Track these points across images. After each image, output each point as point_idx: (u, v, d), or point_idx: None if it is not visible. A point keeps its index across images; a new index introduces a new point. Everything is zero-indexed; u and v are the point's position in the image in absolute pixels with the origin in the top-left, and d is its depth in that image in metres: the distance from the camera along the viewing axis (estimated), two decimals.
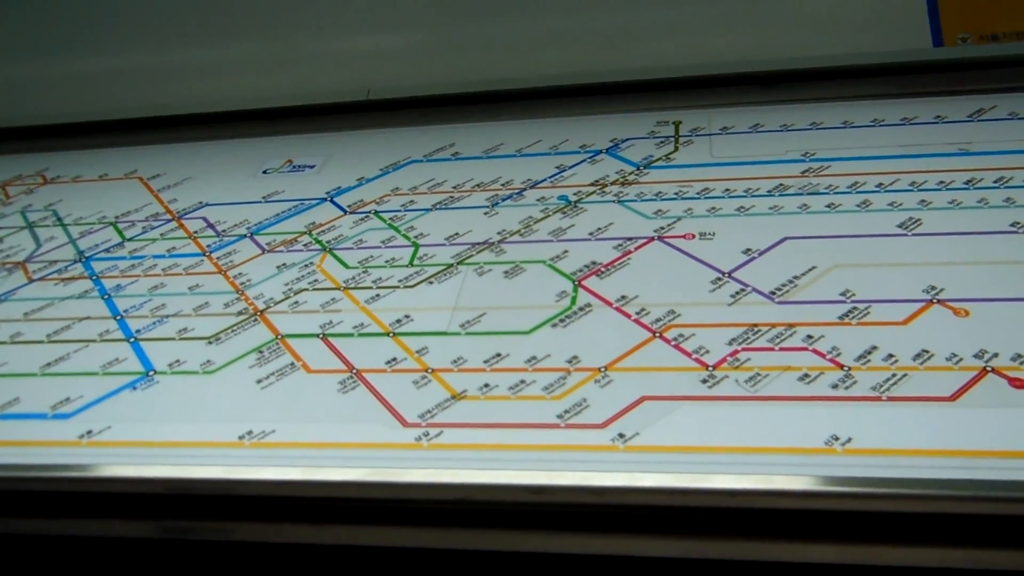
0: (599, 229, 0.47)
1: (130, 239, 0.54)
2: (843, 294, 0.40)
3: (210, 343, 0.44)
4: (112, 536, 0.42)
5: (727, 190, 0.49)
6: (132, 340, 0.45)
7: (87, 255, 0.53)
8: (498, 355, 0.40)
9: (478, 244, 0.48)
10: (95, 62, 0.64)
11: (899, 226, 0.43)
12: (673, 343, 0.39)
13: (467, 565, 0.38)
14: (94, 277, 0.51)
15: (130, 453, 0.39)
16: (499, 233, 0.48)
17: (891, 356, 0.36)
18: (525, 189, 0.52)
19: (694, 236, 0.45)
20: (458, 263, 0.47)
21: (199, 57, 0.63)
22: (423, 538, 0.37)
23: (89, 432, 0.40)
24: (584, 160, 0.54)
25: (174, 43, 0.64)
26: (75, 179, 0.63)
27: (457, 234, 0.49)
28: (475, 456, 0.35)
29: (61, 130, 0.66)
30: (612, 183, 0.51)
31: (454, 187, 0.53)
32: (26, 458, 0.40)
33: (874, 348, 0.36)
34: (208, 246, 0.52)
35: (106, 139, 0.64)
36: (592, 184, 0.51)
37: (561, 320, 0.42)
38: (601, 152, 0.54)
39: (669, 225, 0.47)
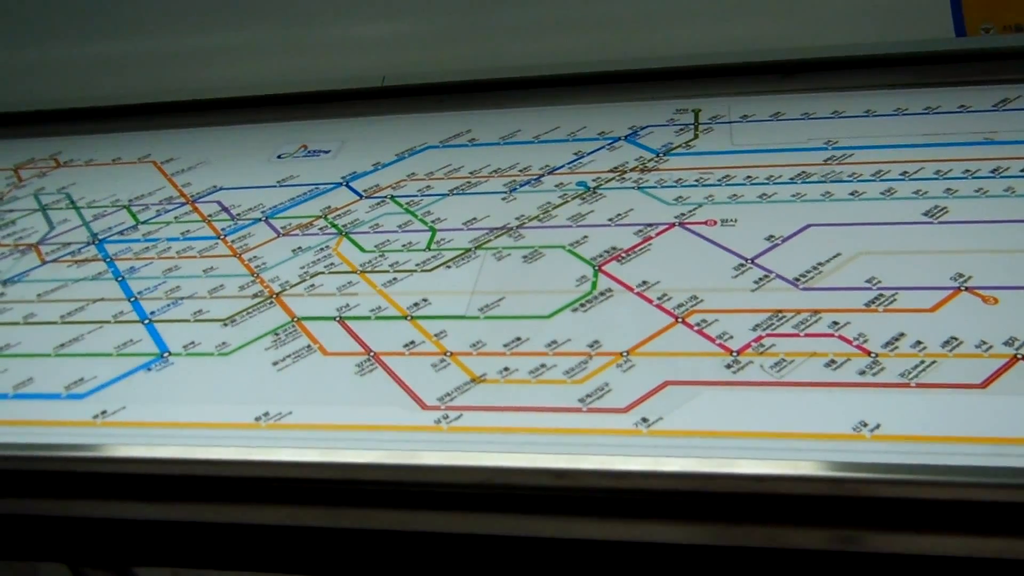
0: (619, 215, 0.47)
1: (144, 222, 0.54)
2: (869, 281, 0.39)
3: (225, 325, 0.44)
4: (127, 517, 0.41)
5: (748, 177, 0.48)
6: (147, 322, 0.45)
7: (100, 237, 0.53)
8: (518, 339, 0.40)
9: (496, 229, 0.47)
10: (109, 46, 0.64)
11: (925, 214, 0.42)
12: (696, 328, 0.38)
13: (487, 549, 0.38)
14: (108, 259, 0.51)
15: (145, 434, 0.39)
16: (517, 218, 0.48)
17: (919, 343, 0.35)
18: (543, 175, 0.51)
19: (716, 222, 0.45)
20: (476, 248, 0.46)
21: (214, 42, 0.63)
22: (442, 522, 0.37)
23: (103, 412, 0.40)
24: (603, 147, 0.53)
25: (189, 27, 0.63)
26: (88, 163, 0.62)
27: (475, 219, 0.48)
28: (496, 439, 0.35)
29: (74, 114, 0.65)
30: (631, 169, 0.50)
31: (471, 173, 0.53)
32: (40, 438, 0.40)
33: (902, 335, 0.36)
34: (223, 229, 0.52)
35: (120, 123, 0.64)
36: (611, 170, 0.51)
37: (581, 305, 0.41)
38: (620, 139, 0.54)
39: (690, 211, 0.46)
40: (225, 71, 0.63)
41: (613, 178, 0.50)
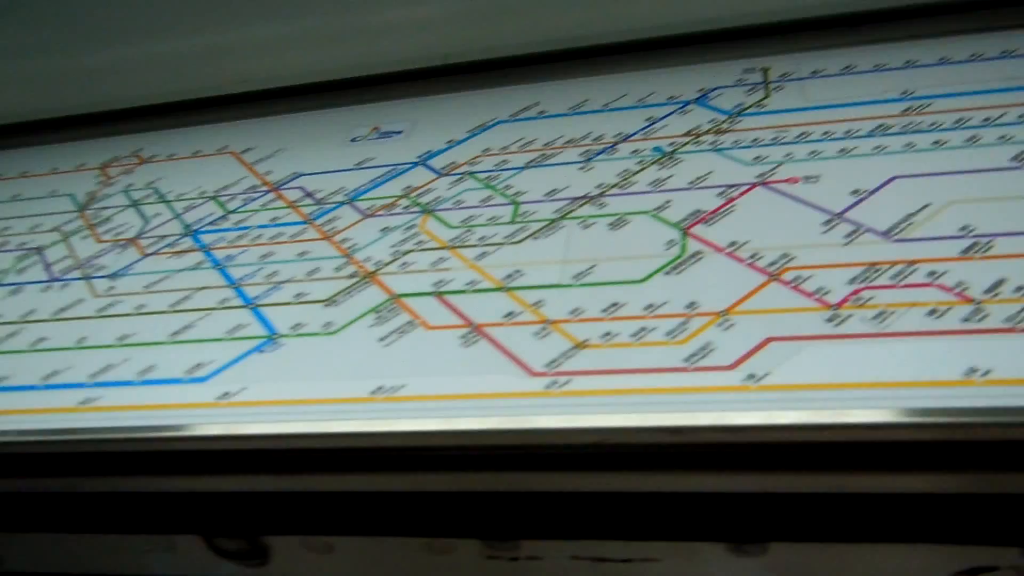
0: (699, 178, 0.48)
1: (232, 211, 0.56)
2: (962, 229, 0.40)
3: (327, 305, 0.46)
4: (256, 490, 0.44)
5: (827, 133, 0.48)
6: (252, 306, 0.47)
7: (194, 228, 0.55)
8: (615, 304, 0.41)
9: (578, 199, 0.48)
10: (179, 42, 0.66)
11: (1013, 159, 0.43)
12: (791, 285, 0.39)
13: (604, 507, 0.40)
14: (204, 249, 0.53)
15: (268, 411, 0.41)
16: (598, 187, 0.49)
17: (1021, 288, 0.36)
18: (617, 143, 0.52)
19: (798, 180, 0.46)
20: (560, 218, 0.47)
21: (279, 31, 0.64)
22: (561, 482, 0.38)
23: (226, 394, 0.42)
24: (674, 111, 0.54)
25: (253, 19, 0.65)
26: (170, 157, 0.64)
27: (555, 190, 0.50)
28: (607, 401, 0.36)
29: (150, 111, 0.68)
30: (706, 132, 0.51)
31: (545, 145, 0.54)
32: (168, 420, 0.42)
33: (1003, 281, 0.36)
34: (309, 214, 0.53)
35: (194, 117, 0.66)
36: (685, 134, 0.51)
37: (674, 268, 0.42)
38: (690, 103, 0.54)
39: (770, 170, 0.47)
40: (292, 59, 0.65)
41: (688, 142, 0.51)
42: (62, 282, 0.54)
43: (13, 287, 0.55)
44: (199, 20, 0.66)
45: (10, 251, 0.59)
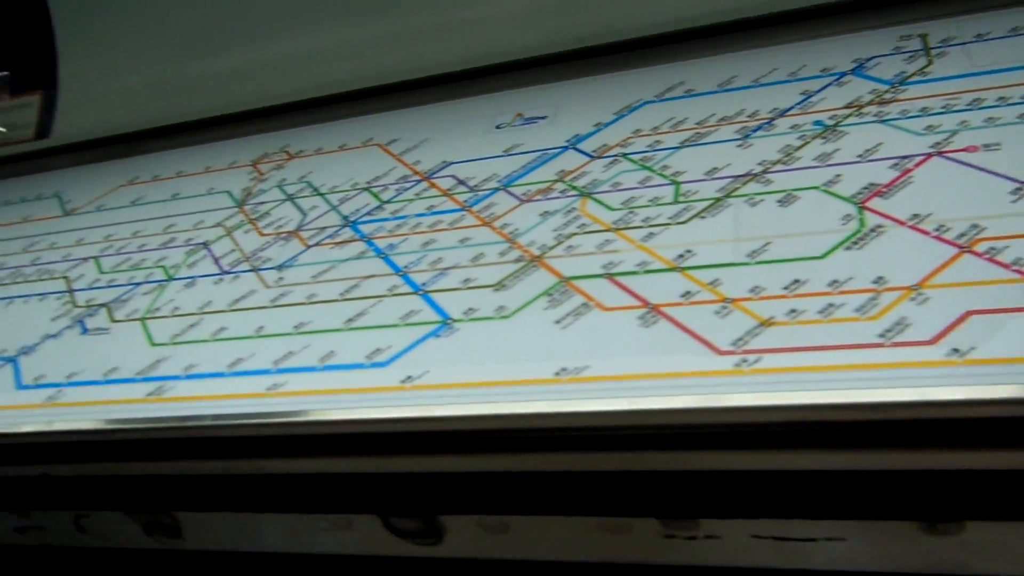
0: (868, 150, 0.47)
1: (387, 201, 0.58)
2: None
3: (497, 290, 0.47)
4: (433, 471, 0.45)
5: (1002, 98, 0.46)
6: (421, 292, 0.49)
7: (352, 219, 0.57)
8: (796, 281, 0.41)
9: (741, 176, 0.48)
10: (321, 39, 0.68)
11: None
12: (986, 256, 0.38)
13: (788, 485, 0.39)
14: (365, 239, 0.55)
15: (453, 394, 0.42)
16: (760, 164, 0.48)
17: None
18: (774, 118, 0.52)
19: (977, 148, 0.44)
20: (725, 196, 0.47)
21: (418, 22, 0.66)
22: (747, 461, 0.38)
23: (409, 377, 0.43)
24: (830, 83, 0.53)
25: (390, 12, 0.66)
26: (317, 151, 0.67)
27: (716, 168, 0.49)
28: (801, 379, 0.36)
29: (294, 107, 0.70)
30: (868, 103, 0.50)
31: (697, 123, 0.54)
32: (353, 403, 0.44)
33: None
34: (465, 201, 0.55)
35: (338, 111, 0.68)
36: (846, 106, 0.50)
37: (854, 243, 0.41)
38: (846, 74, 0.53)
39: (945, 140, 0.45)
40: (430, 49, 0.66)
41: (851, 114, 0.50)
42: (233, 274, 0.56)
43: (187, 280, 0.58)
44: (338, 16, 0.68)
45: (179, 247, 0.62)
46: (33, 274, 0.66)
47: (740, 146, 0.50)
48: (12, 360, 0.57)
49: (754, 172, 0.48)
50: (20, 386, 0.55)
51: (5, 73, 0.91)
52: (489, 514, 0.46)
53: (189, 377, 0.50)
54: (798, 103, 0.52)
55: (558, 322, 0.43)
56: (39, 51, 0.85)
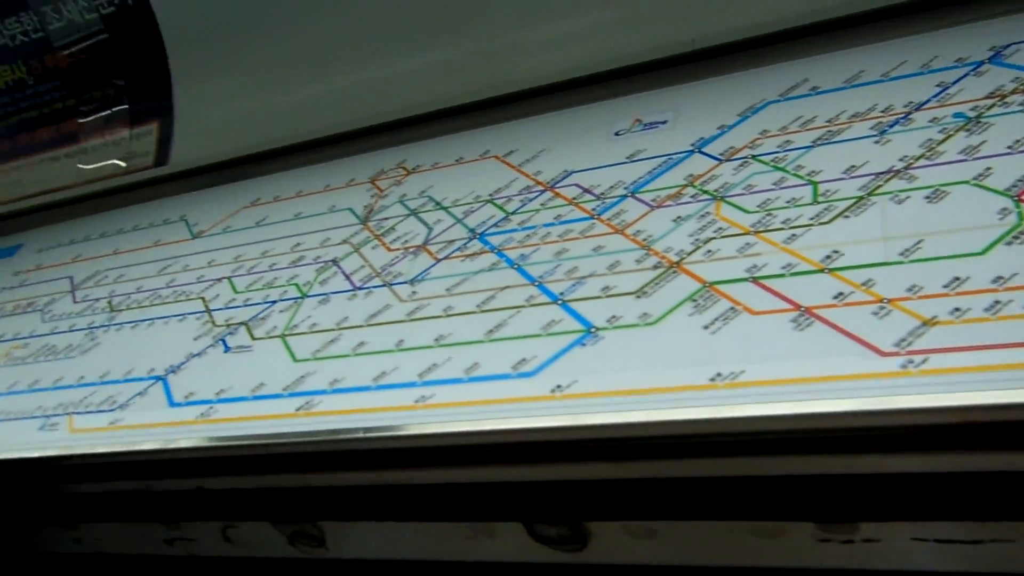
0: (1018, 141, 0.45)
1: (513, 212, 0.58)
2: None
3: (638, 297, 0.47)
4: (578, 479, 0.46)
5: None
6: (560, 302, 0.49)
7: (479, 232, 0.58)
8: (956, 279, 0.40)
9: (883, 173, 0.47)
10: (434, 54, 0.69)
11: None
12: None
13: (953, 487, 0.39)
14: (495, 250, 0.56)
15: (603, 402, 0.43)
16: (901, 160, 0.47)
17: None
18: (910, 112, 0.50)
19: None
20: (868, 194, 0.46)
21: (531, 33, 0.66)
22: (911, 464, 0.38)
23: (559, 386, 0.44)
24: (966, 74, 0.51)
25: (501, 24, 0.67)
26: (434, 166, 0.68)
27: (854, 166, 0.48)
28: (974, 379, 0.36)
29: (408, 122, 0.72)
30: (1012, 92, 0.48)
31: (828, 121, 0.53)
32: (503, 413, 0.45)
33: None
34: (593, 209, 0.55)
35: (452, 124, 0.70)
36: (988, 96, 0.49)
37: (1015, 237, 0.40)
38: (983, 63, 0.51)
39: None
40: (543, 59, 0.67)
41: (994, 104, 0.48)
42: (366, 290, 0.58)
43: (321, 297, 0.60)
44: (449, 31, 0.69)
45: (308, 264, 0.64)
46: (170, 296, 0.70)
47: (877, 142, 0.49)
48: (161, 379, 0.60)
49: (896, 168, 0.47)
50: (172, 403, 0.58)
51: (124, 107, 0.96)
52: (637, 520, 0.46)
53: (335, 391, 0.51)
54: (934, 95, 0.51)
55: (706, 327, 0.43)
56: (154, 81, 0.89)
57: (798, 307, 0.42)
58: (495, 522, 0.50)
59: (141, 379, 0.62)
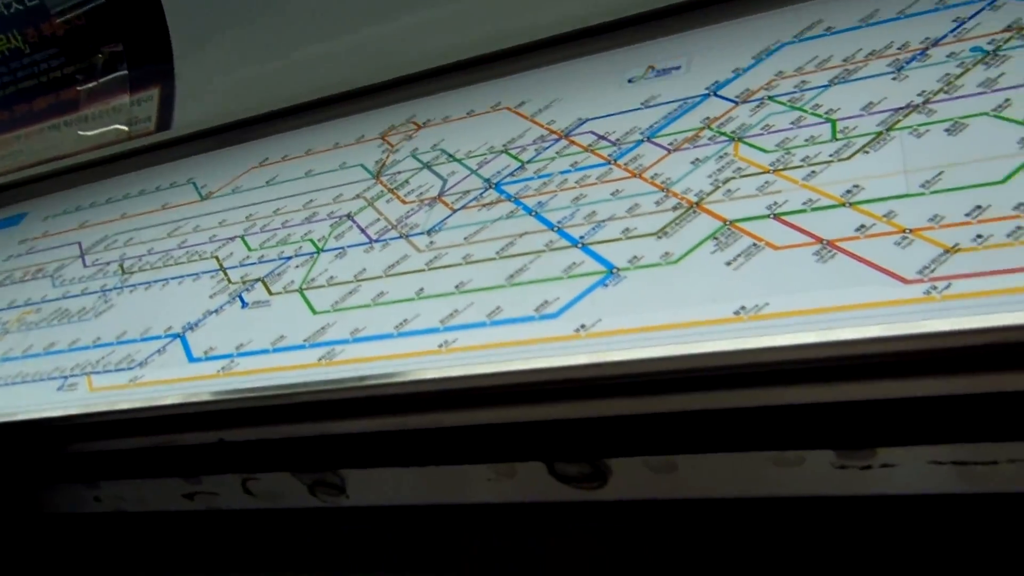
0: None
1: (528, 161, 0.58)
2: None
3: (659, 238, 0.47)
4: (599, 415, 0.46)
5: None
6: (580, 245, 0.49)
7: (495, 181, 0.58)
8: (978, 207, 0.40)
9: (901, 108, 0.47)
10: (438, 9, 0.69)
11: None
12: None
13: (970, 409, 0.39)
14: (512, 198, 0.56)
15: (627, 339, 0.43)
16: (919, 95, 0.47)
17: None
18: (927, 48, 0.50)
19: None
20: (888, 130, 0.46)
21: None
22: (928, 387, 0.38)
23: (583, 326, 0.44)
24: (983, 8, 0.51)
25: None
26: (445, 119, 0.68)
27: (872, 103, 0.48)
28: (1001, 301, 0.36)
29: (416, 78, 0.71)
30: None
31: (844, 60, 0.53)
32: (527, 354, 0.45)
33: None
34: (610, 155, 0.55)
35: (461, 78, 0.69)
36: (1006, 30, 0.49)
37: None
38: None
39: None
40: (554, 7, 0.66)
41: (1011, 37, 0.48)
42: (382, 242, 0.58)
43: (337, 251, 0.60)
44: None
45: (322, 220, 0.64)
46: (183, 256, 0.70)
47: (895, 79, 0.49)
48: (180, 336, 0.60)
49: (915, 103, 0.47)
50: (192, 359, 0.58)
51: (123, 72, 0.95)
52: (657, 455, 0.47)
53: (357, 340, 0.52)
54: (951, 31, 0.50)
55: (729, 264, 0.43)
56: (154, 45, 0.88)
57: (820, 240, 0.42)
58: (516, 462, 0.51)
59: (159, 337, 0.62)
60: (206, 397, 0.55)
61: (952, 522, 0.44)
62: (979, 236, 0.39)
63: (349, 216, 0.63)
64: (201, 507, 0.65)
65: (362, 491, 0.58)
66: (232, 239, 0.68)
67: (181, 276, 0.68)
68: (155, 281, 0.69)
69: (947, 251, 0.39)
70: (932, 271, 0.38)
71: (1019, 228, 0.38)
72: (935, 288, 0.37)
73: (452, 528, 0.58)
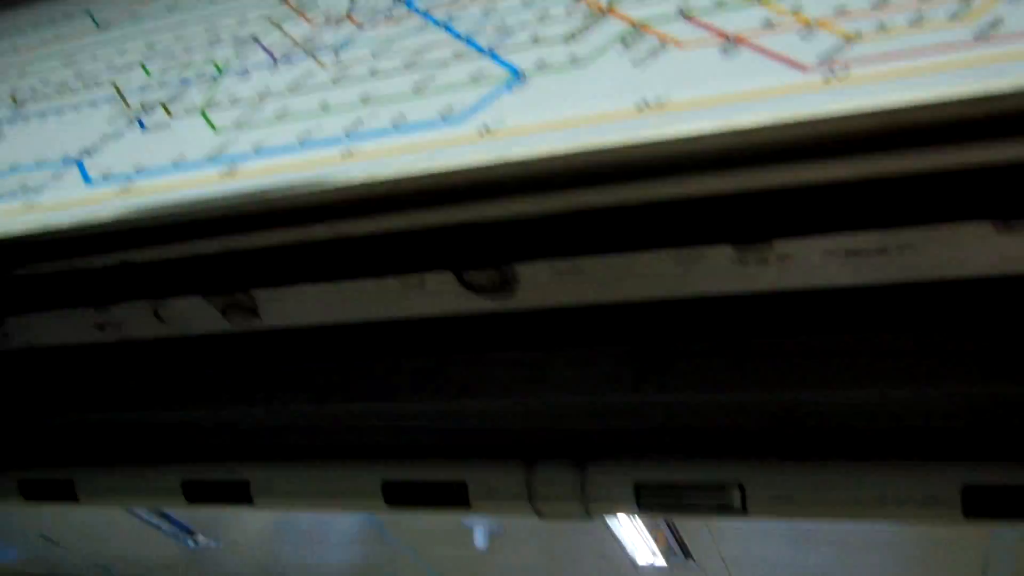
0: None
1: None
2: None
3: (567, 42, 0.46)
4: (504, 217, 0.45)
5: None
6: (488, 52, 0.48)
7: None
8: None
9: None
10: None
11: None
12: None
13: (857, 196, 0.40)
14: (422, 13, 0.54)
15: (531, 139, 0.42)
16: None
17: None
18: None
19: None
20: None
21: None
22: (815, 173, 0.38)
23: (487, 128, 0.43)
24: None
25: None
26: None
27: None
28: (897, 84, 0.36)
29: None
30: None
31: None
32: (427, 159, 0.44)
33: None
34: None
35: None
36: None
37: None
38: None
39: None
40: None
41: None
42: (287, 62, 0.56)
43: (240, 73, 0.57)
44: None
45: (225, 43, 0.61)
46: (79, 85, 0.66)
47: None
48: (76, 162, 0.58)
49: None
50: (88, 181, 0.55)
51: None
52: (563, 258, 0.47)
53: (259, 155, 0.50)
54: None
55: (636, 64, 0.43)
56: None
57: (726, 36, 0.42)
58: (425, 272, 0.50)
59: (54, 164, 0.59)
60: (104, 217, 0.53)
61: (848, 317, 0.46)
62: (881, 25, 0.38)
63: (254, 38, 0.60)
64: (112, 338, 0.63)
65: (274, 312, 0.57)
66: (131, 66, 0.65)
67: (77, 105, 0.64)
68: (50, 111, 0.65)
69: (849, 39, 0.39)
70: (832, 58, 0.38)
71: (921, 17, 0.38)
72: (832, 73, 0.37)
73: (372, 347, 0.58)
